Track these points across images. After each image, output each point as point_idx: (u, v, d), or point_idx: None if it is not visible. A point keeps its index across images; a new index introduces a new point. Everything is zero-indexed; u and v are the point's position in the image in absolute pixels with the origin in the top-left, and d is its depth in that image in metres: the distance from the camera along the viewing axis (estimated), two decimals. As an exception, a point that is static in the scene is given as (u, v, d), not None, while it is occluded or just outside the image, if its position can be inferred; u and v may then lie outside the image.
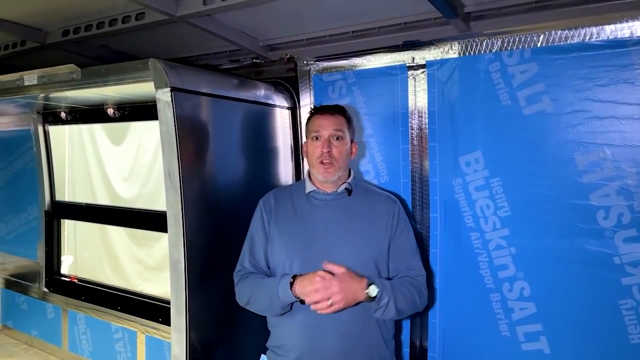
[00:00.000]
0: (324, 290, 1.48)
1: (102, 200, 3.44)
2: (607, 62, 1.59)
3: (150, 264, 3.23)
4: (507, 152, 1.79)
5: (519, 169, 1.76)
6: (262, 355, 1.81)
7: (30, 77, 2.15)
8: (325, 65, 2.19)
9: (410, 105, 1.99)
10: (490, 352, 1.86)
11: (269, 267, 1.74)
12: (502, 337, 1.82)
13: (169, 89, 1.74)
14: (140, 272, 3.29)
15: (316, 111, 1.77)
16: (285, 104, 2.33)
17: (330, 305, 1.48)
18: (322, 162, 1.68)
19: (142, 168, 3.21)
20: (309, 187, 1.74)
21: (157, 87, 1.76)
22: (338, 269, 1.52)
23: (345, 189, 1.72)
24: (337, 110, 1.74)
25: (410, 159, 1.99)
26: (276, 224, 1.74)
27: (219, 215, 2.01)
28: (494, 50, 1.77)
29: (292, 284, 1.54)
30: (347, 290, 1.49)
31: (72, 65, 1.98)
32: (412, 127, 1.98)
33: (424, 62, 1.93)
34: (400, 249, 1.71)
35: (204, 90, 1.92)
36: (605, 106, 1.61)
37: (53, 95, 2.49)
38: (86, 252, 3.62)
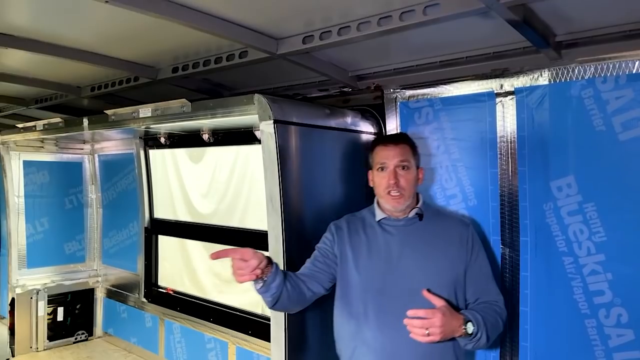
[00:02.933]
0: (428, 321, 1.51)
1: (182, 216, 3.69)
2: None
3: (225, 277, 3.41)
4: (601, 177, 1.79)
5: (614, 194, 1.76)
6: None
7: (145, 110, 2.41)
8: (412, 92, 2.28)
9: (498, 130, 2.03)
10: (585, 378, 1.84)
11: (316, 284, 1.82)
12: (599, 363, 1.81)
13: (272, 121, 1.91)
14: (216, 284, 3.48)
15: (380, 141, 1.81)
16: (372, 130, 2.44)
17: (428, 335, 1.52)
18: (389, 194, 1.72)
19: (219, 185, 3.42)
20: (379, 214, 1.79)
21: (261, 119, 1.93)
22: (439, 302, 1.57)
23: (417, 214, 1.76)
24: (401, 139, 1.78)
25: (499, 182, 2.03)
26: (350, 249, 1.79)
27: (313, 235, 2.14)
28: (586, 77, 1.79)
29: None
30: (447, 325, 1.54)
31: (183, 100, 2.21)
32: (500, 152, 2.02)
33: (512, 89, 1.98)
34: (477, 275, 1.74)
35: (300, 121, 2.07)
36: None
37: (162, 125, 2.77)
38: (167, 264, 3.88)
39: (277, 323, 2.00)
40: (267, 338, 2.22)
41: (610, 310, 1.78)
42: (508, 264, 2.02)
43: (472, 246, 1.75)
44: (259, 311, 3.14)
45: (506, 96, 2.01)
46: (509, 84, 1.99)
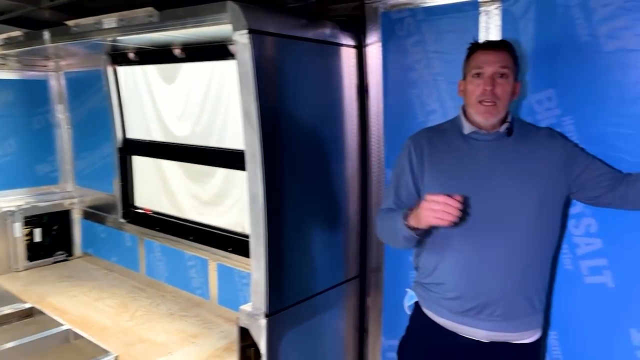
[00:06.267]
0: None
1: (157, 138, 3.62)
2: (699, -6, 1.53)
3: (205, 199, 3.42)
4: (582, 90, 1.77)
5: (594, 107, 1.75)
6: (409, 290, 1.89)
7: (109, 21, 2.25)
8: (394, 2, 2.17)
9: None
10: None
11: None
12: (564, 270, 1.89)
13: (246, 31, 1.80)
14: (195, 206, 3.49)
15: (478, 47, 1.64)
16: (352, 43, 2.35)
17: None
18: (482, 102, 1.58)
19: (194, 107, 3.32)
20: (468, 127, 1.65)
21: (235, 29, 1.82)
22: None
23: (507, 128, 1.63)
24: (503, 46, 1.61)
25: (480, 97, 1.99)
26: (431, 168, 1.67)
27: (292, 151, 2.12)
28: (575, -17, 1.72)
29: (406, 216, 1.58)
30: None
31: (150, 9, 2.06)
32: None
33: (498, -3, 1.90)
34: (594, 164, 1.64)
35: (277, 31, 1.97)
36: (693, 41, 1.56)
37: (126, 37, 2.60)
38: (144, 186, 3.85)
39: (257, 239, 2.02)
40: (247, 254, 2.26)
41: (580, 220, 1.83)
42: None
43: (565, 150, 1.64)
44: (239, 229, 3.18)
45: (491, 5, 1.92)
46: (495, -9, 1.90)
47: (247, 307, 2.09)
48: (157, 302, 3.42)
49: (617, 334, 1.78)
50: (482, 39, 1.96)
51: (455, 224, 1.47)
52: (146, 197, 3.83)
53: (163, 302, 3.41)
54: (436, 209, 1.45)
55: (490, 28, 1.94)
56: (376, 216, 1.78)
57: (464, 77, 1.67)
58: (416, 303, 1.84)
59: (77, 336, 2.88)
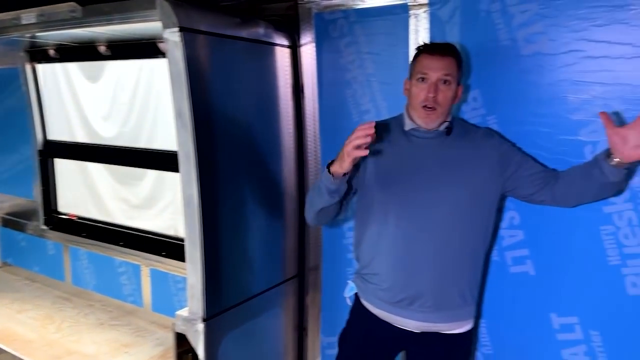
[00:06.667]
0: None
1: (81, 139, 3.45)
2: (604, 3, 1.65)
3: (135, 202, 3.31)
4: (503, 91, 1.88)
5: (515, 107, 1.86)
6: (349, 282, 1.90)
7: (28, 16, 2.11)
8: (327, 3, 2.20)
9: (410, 44, 2.03)
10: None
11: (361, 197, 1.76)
12: (492, 261, 2.00)
13: (177, 28, 1.76)
14: (124, 210, 3.37)
15: (425, 49, 1.67)
16: (286, 43, 2.35)
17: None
18: (424, 107, 1.62)
19: (121, 106, 3.20)
20: (409, 124, 1.70)
21: (165, 26, 1.77)
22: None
23: (446, 127, 1.68)
24: (449, 52, 1.64)
25: (410, 97, 2.06)
26: (372, 158, 1.69)
27: (227, 151, 2.09)
28: (496, -10, 1.82)
29: (328, 167, 1.57)
30: None
31: (72, 4, 1.95)
32: (413, 66, 2.04)
33: (426, 2, 1.97)
34: (527, 163, 1.71)
35: (209, 30, 1.93)
36: (600, 46, 1.68)
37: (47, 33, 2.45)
38: (68, 190, 3.66)
39: (193, 242, 1.97)
40: (181, 258, 2.20)
41: (505, 213, 1.94)
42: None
43: (501, 149, 1.71)
44: (172, 233, 3.09)
45: (420, 9, 1.99)
46: (424, -5, 1.97)
47: (183, 312, 2.04)
48: (85, 312, 3.25)
49: (539, 319, 1.91)
50: (411, 41, 2.03)
51: (367, 149, 1.48)
52: (71, 202, 3.63)
53: (92, 312, 3.25)
54: (351, 138, 1.47)
55: (419, 31, 2.01)
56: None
57: (410, 77, 1.71)
58: (356, 294, 1.88)
59: (0, 351, 2.68)
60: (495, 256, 1.98)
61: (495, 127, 1.90)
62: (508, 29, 1.83)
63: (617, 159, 1.45)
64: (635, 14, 1.61)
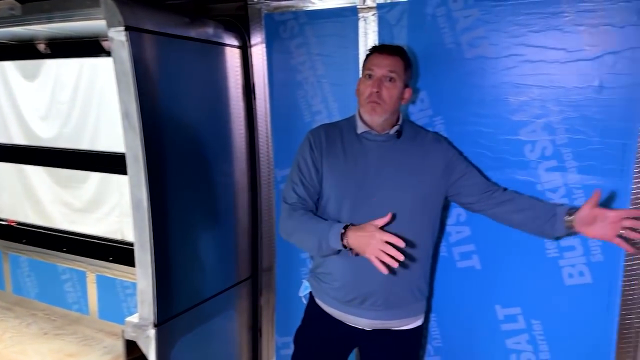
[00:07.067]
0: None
1: (18, 140, 3.29)
2: (540, 10, 1.75)
3: (78, 206, 3.20)
4: (448, 92, 1.95)
5: (460, 108, 1.93)
6: (304, 281, 1.91)
7: (-42, 11, 1.99)
8: (277, 4, 2.20)
9: (360, 46, 2.07)
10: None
11: (319, 199, 1.76)
12: (440, 257, 2.07)
13: (123, 27, 1.71)
14: (66, 214, 3.25)
15: (374, 49, 1.72)
16: (236, 43, 2.33)
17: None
18: (368, 102, 1.67)
19: (61, 105, 3.08)
20: (361, 127, 1.73)
21: (110, 25, 1.72)
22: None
23: (396, 131, 1.73)
24: (397, 52, 1.70)
25: (361, 98, 2.10)
26: (327, 160, 1.72)
27: (177, 153, 2.05)
28: (441, -5, 1.88)
29: (343, 234, 1.53)
30: None
31: (11, 1, 1.86)
32: (363, 68, 2.08)
33: (374, 5, 2.01)
34: (471, 173, 1.78)
35: (157, 29, 1.89)
36: (537, 50, 1.78)
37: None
38: (4, 194, 3.50)
39: (143, 247, 1.92)
40: (130, 263, 2.14)
41: (451, 210, 2.02)
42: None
43: (448, 155, 1.77)
44: (118, 237, 3.00)
45: (369, 12, 2.03)
46: (372, -1, 2.01)
47: (133, 319, 1.99)
48: (27, 321, 3.11)
49: (485, 311, 2.00)
50: (361, 43, 2.07)
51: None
52: (8, 208, 3.45)
53: (35, 322, 3.11)
54: (381, 246, 1.45)
55: (368, 33, 2.05)
56: (284, 213, 1.74)
57: (361, 77, 1.76)
58: (311, 293, 1.90)
59: None
60: (443, 252, 2.06)
61: (441, 127, 1.97)
62: (453, 33, 1.90)
63: (573, 224, 1.58)
64: (568, 21, 1.71)
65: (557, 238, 1.79)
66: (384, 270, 1.45)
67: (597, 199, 1.55)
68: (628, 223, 1.50)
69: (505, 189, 1.80)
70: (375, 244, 1.45)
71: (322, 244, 1.59)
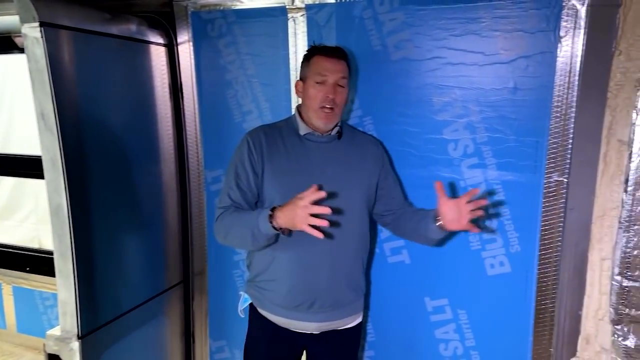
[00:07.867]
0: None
1: None
2: (460, 15, 1.84)
3: None
4: (376, 93, 2.00)
5: (387, 109, 1.99)
6: (242, 293, 1.85)
7: None
8: (204, 2, 2.15)
9: (290, 46, 2.08)
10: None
11: (259, 201, 1.74)
12: (372, 253, 2.12)
13: (37, 23, 1.60)
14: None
15: (321, 52, 1.70)
16: (161, 41, 2.26)
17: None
18: (323, 108, 1.67)
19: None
20: (304, 129, 1.73)
21: (24, 21, 1.61)
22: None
23: (338, 132, 1.76)
24: (343, 56, 1.71)
25: (292, 99, 2.11)
26: (269, 162, 1.70)
27: (99, 155, 1.96)
28: (367, -2, 1.92)
29: (271, 216, 1.52)
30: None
31: None
32: (294, 68, 2.08)
33: (303, 6, 2.02)
34: (393, 186, 1.86)
35: (75, 25, 1.79)
36: (457, 54, 1.87)
37: None
38: None
39: (63, 255, 1.82)
40: (49, 273, 2.01)
41: (382, 208, 2.07)
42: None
43: (383, 162, 1.84)
44: (35, 245, 2.81)
45: (297, 12, 2.04)
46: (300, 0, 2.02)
47: (55, 331, 1.88)
48: None
49: (415, 304, 2.07)
50: (291, 44, 2.07)
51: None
52: None
53: (-58, 341, 2.84)
54: (304, 210, 1.45)
55: (298, 34, 2.06)
56: (218, 217, 1.70)
57: (303, 79, 1.74)
58: (251, 305, 1.86)
59: None
60: (375, 248, 2.11)
61: (370, 127, 2.02)
62: (379, 35, 1.95)
63: (440, 223, 1.65)
64: (485, 26, 1.81)
65: (442, 241, 1.88)
66: (319, 235, 1.44)
67: (440, 189, 1.62)
68: (470, 206, 1.58)
69: (408, 208, 1.89)
70: (301, 212, 1.45)
71: (255, 233, 1.56)
